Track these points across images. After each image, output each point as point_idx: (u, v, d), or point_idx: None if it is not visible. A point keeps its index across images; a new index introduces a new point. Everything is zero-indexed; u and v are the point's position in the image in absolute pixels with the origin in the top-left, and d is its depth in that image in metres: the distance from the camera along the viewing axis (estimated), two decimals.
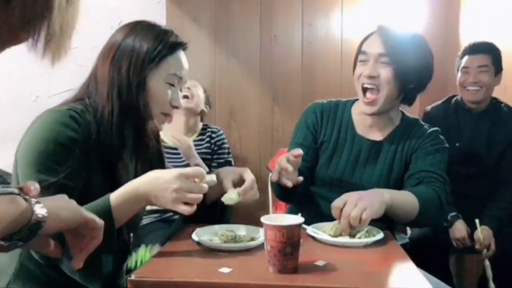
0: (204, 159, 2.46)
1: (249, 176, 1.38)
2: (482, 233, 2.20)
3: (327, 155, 1.71)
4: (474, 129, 2.37)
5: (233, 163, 2.65)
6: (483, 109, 2.38)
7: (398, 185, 1.64)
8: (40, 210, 0.73)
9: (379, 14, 2.95)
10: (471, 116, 2.39)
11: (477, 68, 2.32)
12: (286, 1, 3.05)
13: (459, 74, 2.39)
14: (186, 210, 1.16)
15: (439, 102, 2.52)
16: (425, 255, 2.02)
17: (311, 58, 3.06)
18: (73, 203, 0.82)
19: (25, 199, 0.73)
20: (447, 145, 1.70)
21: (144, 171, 1.22)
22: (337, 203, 1.36)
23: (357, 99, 1.72)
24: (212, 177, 1.24)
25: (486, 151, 2.35)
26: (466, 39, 2.92)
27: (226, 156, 2.60)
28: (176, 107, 1.35)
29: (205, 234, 1.32)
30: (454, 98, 2.48)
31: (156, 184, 1.15)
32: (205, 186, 1.19)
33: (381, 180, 1.63)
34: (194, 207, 1.18)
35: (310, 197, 1.72)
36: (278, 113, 3.07)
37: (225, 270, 1.09)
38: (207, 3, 3.06)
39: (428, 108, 2.53)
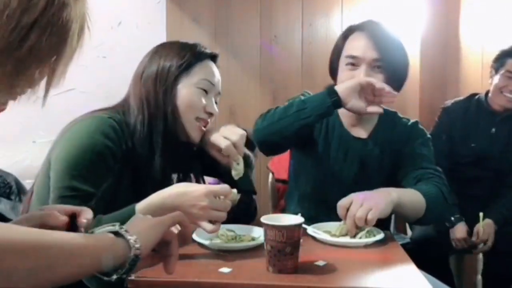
0: None
1: (224, 142, 1.33)
2: (484, 227, 2.19)
3: (317, 152, 1.67)
4: (493, 133, 2.31)
5: None
6: (506, 114, 2.31)
7: (389, 185, 1.62)
8: (135, 243, 0.79)
9: (379, 15, 2.94)
10: (493, 119, 2.32)
11: None
12: (286, 1, 3.05)
13: (500, 77, 2.26)
14: (210, 228, 1.17)
15: (460, 98, 2.45)
16: (427, 256, 2.02)
17: (311, 58, 3.06)
18: (151, 220, 0.87)
19: (121, 234, 0.79)
20: (429, 135, 1.68)
21: (175, 181, 1.22)
22: (343, 202, 1.35)
23: None
24: (234, 192, 1.23)
25: (501, 156, 2.30)
26: (466, 41, 2.92)
27: None
28: (211, 114, 1.36)
29: (205, 234, 1.32)
30: (476, 97, 2.39)
31: (184, 200, 1.15)
32: (230, 203, 1.19)
33: (372, 180, 1.59)
34: (219, 226, 1.18)
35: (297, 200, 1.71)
36: None
37: (225, 270, 1.09)
38: (207, 3, 3.06)
39: (448, 103, 2.45)
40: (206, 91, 1.35)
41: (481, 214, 2.18)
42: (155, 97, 1.29)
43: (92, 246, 0.74)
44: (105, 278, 0.79)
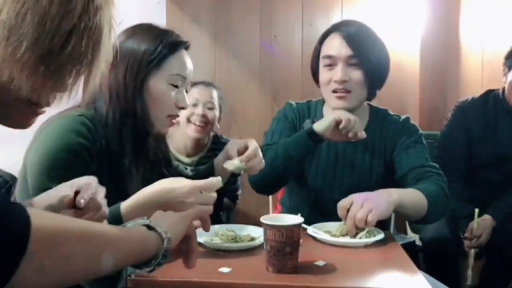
0: None
1: (252, 144, 1.37)
2: (478, 223, 2.17)
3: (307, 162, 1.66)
4: None
5: None
6: None
7: (382, 186, 1.59)
8: (166, 234, 0.84)
9: (378, 15, 2.94)
10: None
11: None
12: (286, 1, 3.05)
13: None
14: (198, 224, 1.15)
15: (476, 96, 2.34)
16: (438, 257, 2.01)
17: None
18: (175, 215, 0.92)
19: (152, 227, 0.84)
20: (421, 131, 1.67)
21: (148, 178, 1.20)
22: (343, 203, 1.35)
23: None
24: (218, 179, 1.22)
25: None
26: (466, 41, 2.92)
27: None
28: (183, 108, 1.33)
29: (205, 234, 1.32)
30: (492, 94, 2.30)
31: (170, 197, 1.12)
32: (215, 195, 1.17)
33: (364, 183, 1.60)
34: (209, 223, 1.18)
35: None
36: None
37: (225, 270, 1.09)
38: (207, 3, 3.06)
39: (465, 102, 2.34)
40: (177, 86, 1.31)
41: (476, 210, 2.14)
42: (125, 92, 1.25)
43: (130, 237, 0.79)
44: (138, 271, 0.82)
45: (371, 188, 1.44)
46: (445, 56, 2.99)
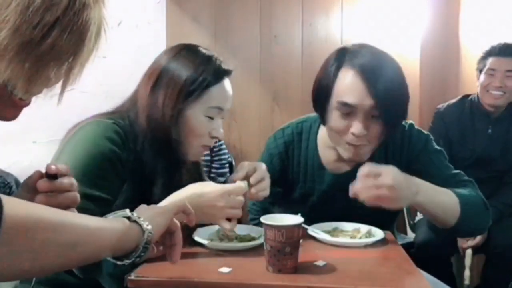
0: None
1: (261, 168, 1.33)
2: None
3: (298, 192, 1.58)
4: (490, 134, 2.31)
5: (234, 163, 2.67)
6: (500, 113, 2.32)
7: None
8: (147, 227, 0.84)
9: (379, 15, 2.95)
10: (489, 120, 2.33)
11: (504, 72, 2.25)
12: (286, 1, 3.05)
13: (483, 76, 2.30)
14: (228, 227, 1.20)
15: (453, 101, 2.44)
16: (430, 258, 2.01)
17: (311, 58, 3.06)
18: (158, 208, 0.93)
19: (133, 219, 0.84)
20: (431, 136, 1.54)
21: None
22: (372, 170, 1.23)
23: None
24: (245, 182, 1.23)
25: (501, 156, 2.29)
26: (466, 41, 2.92)
27: (226, 158, 2.59)
28: (216, 138, 1.31)
29: (205, 234, 1.32)
30: (469, 98, 2.40)
31: (201, 201, 1.15)
32: (243, 199, 1.20)
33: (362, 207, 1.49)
34: (235, 223, 1.20)
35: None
36: (278, 113, 3.07)
37: (225, 270, 1.09)
38: (207, 3, 3.06)
39: (442, 108, 2.44)
40: (212, 118, 1.29)
41: None
42: (162, 119, 1.24)
43: (110, 229, 0.78)
44: (119, 262, 0.82)
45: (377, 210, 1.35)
46: (445, 56, 2.99)
